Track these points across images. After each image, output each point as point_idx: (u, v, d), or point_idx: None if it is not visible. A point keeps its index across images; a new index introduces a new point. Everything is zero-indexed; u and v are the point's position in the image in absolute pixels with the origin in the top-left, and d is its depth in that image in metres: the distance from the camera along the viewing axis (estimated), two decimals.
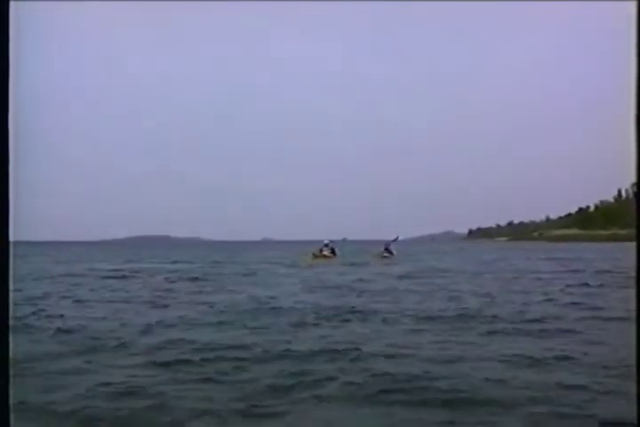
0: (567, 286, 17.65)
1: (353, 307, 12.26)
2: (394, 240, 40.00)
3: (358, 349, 7.61)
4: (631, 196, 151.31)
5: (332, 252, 35.17)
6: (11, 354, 1.45)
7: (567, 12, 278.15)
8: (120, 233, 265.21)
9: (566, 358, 7.13)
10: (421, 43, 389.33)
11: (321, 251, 35.03)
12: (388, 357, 7.23)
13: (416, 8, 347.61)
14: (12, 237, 1.69)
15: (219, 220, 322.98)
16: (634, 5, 1.86)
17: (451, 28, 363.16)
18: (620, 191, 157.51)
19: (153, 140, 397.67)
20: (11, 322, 1.45)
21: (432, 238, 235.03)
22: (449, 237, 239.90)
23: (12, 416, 1.65)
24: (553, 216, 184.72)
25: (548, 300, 13.86)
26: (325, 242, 35.79)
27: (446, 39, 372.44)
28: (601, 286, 17.64)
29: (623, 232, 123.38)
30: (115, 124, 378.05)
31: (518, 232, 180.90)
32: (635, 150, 2.02)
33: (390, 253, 38.22)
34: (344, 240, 39.23)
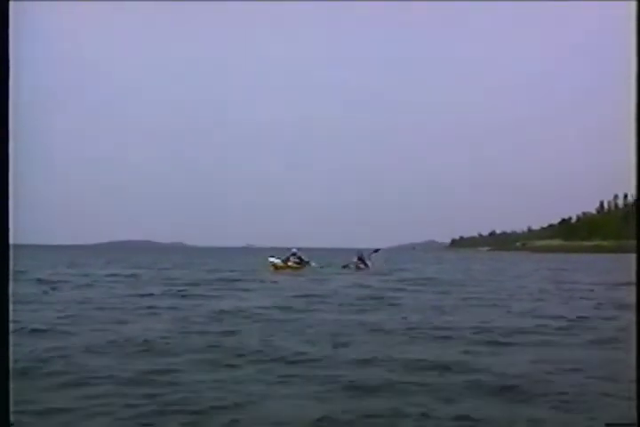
0: None
1: None
2: (375, 251, 36.54)
3: None
4: (613, 208, 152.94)
5: (300, 262, 32.45)
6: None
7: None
8: (102, 237, 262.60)
9: None
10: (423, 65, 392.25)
11: (287, 260, 32.26)
12: None
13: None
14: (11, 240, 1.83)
15: (201, 226, 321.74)
16: (634, 5, 1.86)
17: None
18: (602, 203, 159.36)
19: (137, 145, 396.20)
20: None
21: (413, 247, 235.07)
22: (431, 246, 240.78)
23: (11, 416, 1.77)
24: (535, 227, 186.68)
25: None
26: (293, 250, 33.22)
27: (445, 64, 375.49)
28: None
29: (606, 243, 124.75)
30: (99, 127, 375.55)
31: (500, 242, 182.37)
32: (635, 157, 1.95)
33: (365, 264, 34.48)
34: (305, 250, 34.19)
